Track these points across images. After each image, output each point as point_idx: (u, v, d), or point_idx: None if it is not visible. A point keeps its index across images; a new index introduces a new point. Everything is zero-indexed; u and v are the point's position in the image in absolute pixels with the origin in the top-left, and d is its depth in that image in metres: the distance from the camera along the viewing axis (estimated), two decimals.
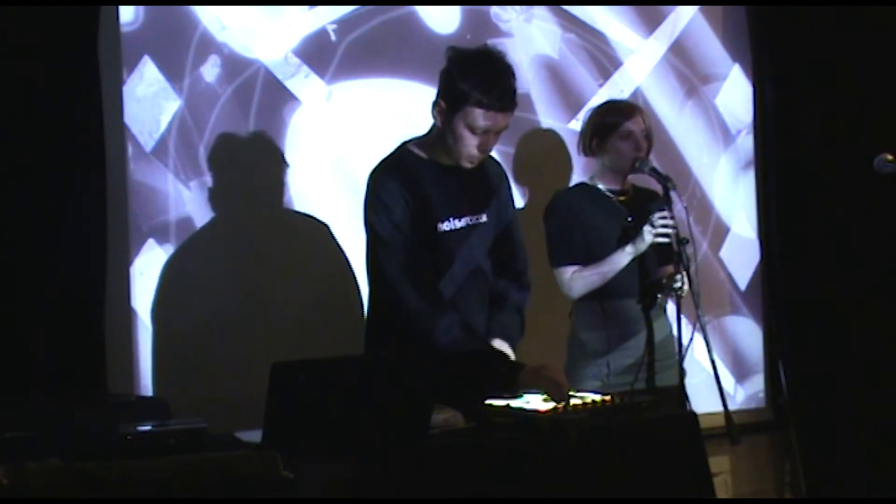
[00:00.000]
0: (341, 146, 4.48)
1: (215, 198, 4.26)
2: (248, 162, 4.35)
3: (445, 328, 3.42)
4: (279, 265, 4.35)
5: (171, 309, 4.19)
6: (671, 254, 3.99)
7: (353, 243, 4.41)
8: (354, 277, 4.37)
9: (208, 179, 4.26)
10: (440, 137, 3.53)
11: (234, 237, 4.32)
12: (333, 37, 4.49)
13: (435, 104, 3.52)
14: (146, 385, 4.13)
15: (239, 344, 4.22)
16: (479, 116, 3.44)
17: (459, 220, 3.59)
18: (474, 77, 3.44)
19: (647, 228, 4.01)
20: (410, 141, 3.64)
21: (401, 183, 3.50)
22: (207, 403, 4.16)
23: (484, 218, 3.64)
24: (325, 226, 4.42)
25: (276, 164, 4.37)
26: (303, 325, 4.36)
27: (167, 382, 4.16)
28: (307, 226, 4.42)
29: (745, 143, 5.52)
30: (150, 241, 4.16)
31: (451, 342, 3.40)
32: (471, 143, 3.48)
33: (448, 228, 3.56)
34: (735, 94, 5.48)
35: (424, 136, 3.62)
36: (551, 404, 3.20)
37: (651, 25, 5.22)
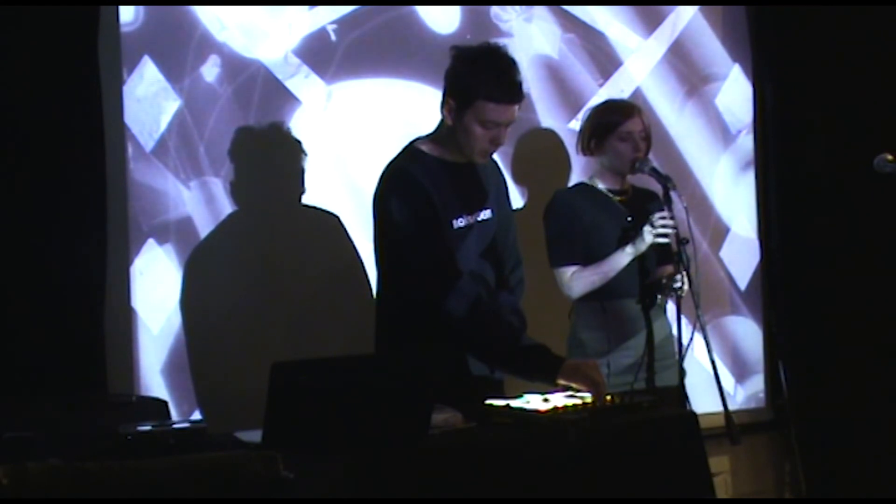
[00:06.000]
0: (341, 146, 4.48)
1: (232, 192, 4.29)
2: (266, 155, 4.37)
3: (468, 307, 3.48)
4: (281, 263, 4.35)
5: (176, 309, 4.21)
6: (671, 254, 3.99)
7: (355, 242, 4.43)
8: (364, 272, 4.38)
9: (209, 179, 4.26)
10: (450, 135, 3.57)
11: (244, 234, 4.32)
12: (333, 37, 4.49)
13: (443, 103, 3.56)
14: (146, 385, 4.13)
15: (239, 343, 4.23)
16: (491, 110, 3.49)
17: (471, 217, 3.63)
18: (482, 72, 3.50)
19: (646, 228, 4.01)
20: (419, 139, 3.67)
21: (419, 178, 3.55)
22: (207, 403, 4.19)
23: (489, 213, 3.68)
24: (336, 217, 4.43)
25: (294, 155, 4.37)
26: (304, 325, 4.36)
27: (167, 382, 4.17)
28: (312, 222, 4.43)
29: (745, 143, 5.51)
30: (150, 241, 4.17)
31: (474, 320, 3.48)
32: (483, 138, 3.53)
33: (462, 224, 3.60)
34: (735, 94, 5.47)
35: (432, 134, 3.65)
36: (551, 404, 3.21)
37: (651, 25, 5.22)
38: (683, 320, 3.96)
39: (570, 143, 4.71)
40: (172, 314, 4.20)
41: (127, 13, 4.14)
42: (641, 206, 4.16)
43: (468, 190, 3.64)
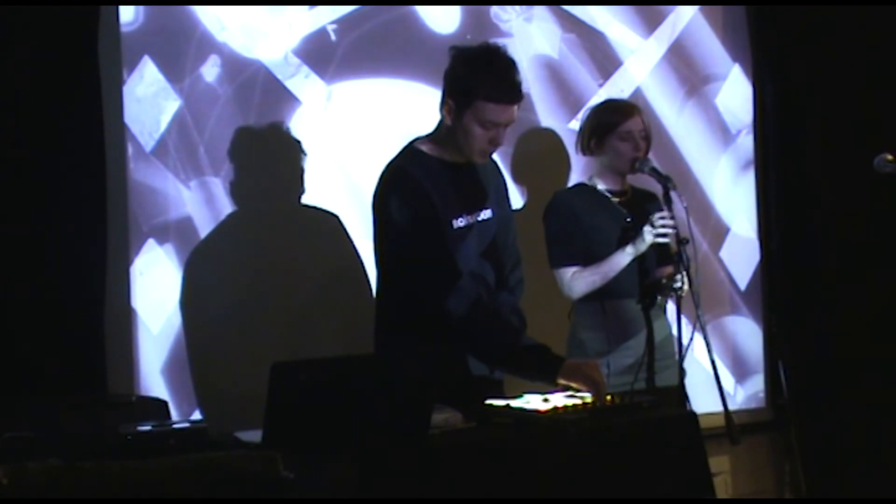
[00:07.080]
0: (341, 146, 4.48)
1: (231, 192, 4.28)
2: (265, 155, 4.36)
3: (469, 307, 3.49)
4: (281, 263, 4.35)
5: (176, 309, 4.21)
6: (671, 254, 3.99)
7: (355, 242, 4.43)
8: (364, 272, 4.38)
9: (209, 179, 4.26)
10: (450, 135, 3.57)
11: (244, 234, 4.32)
12: (333, 37, 4.49)
13: (443, 104, 3.56)
14: (146, 385, 4.13)
15: (239, 343, 4.23)
16: (490, 110, 3.49)
17: (470, 217, 3.62)
18: (482, 73, 3.50)
19: (647, 228, 4.01)
20: (418, 139, 3.67)
21: (418, 178, 3.55)
22: (207, 403, 4.19)
23: (489, 213, 3.68)
24: (335, 217, 4.43)
25: (294, 155, 4.37)
26: (304, 325, 4.36)
27: (167, 382, 4.17)
28: (311, 222, 4.43)
29: (745, 143, 5.51)
30: (150, 241, 4.17)
31: (473, 321, 3.49)
32: (482, 138, 3.53)
33: (462, 224, 3.60)
34: (735, 94, 5.47)
35: (431, 134, 3.65)
36: (551, 404, 3.21)
37: (651, 25, 5.22)
38: (683, 320, 3.96)
39: (570, 143, 4.70)
40: (172, 314, 4.20)
41: (127, 13, 4.14)
42: (641, 207, 4.16)
43: (468, 190, 3.64)
